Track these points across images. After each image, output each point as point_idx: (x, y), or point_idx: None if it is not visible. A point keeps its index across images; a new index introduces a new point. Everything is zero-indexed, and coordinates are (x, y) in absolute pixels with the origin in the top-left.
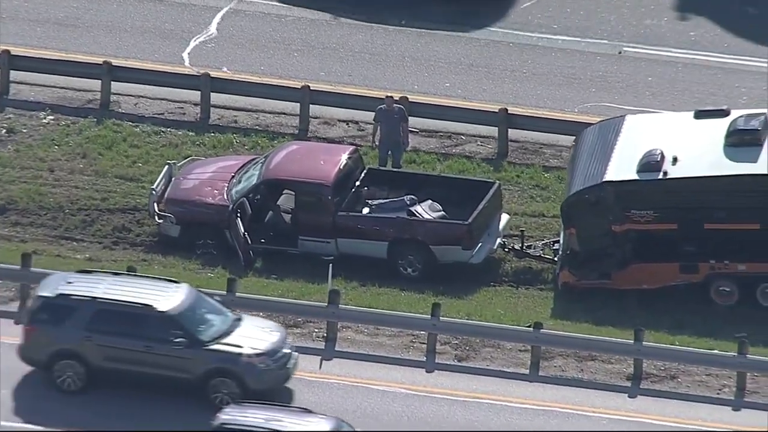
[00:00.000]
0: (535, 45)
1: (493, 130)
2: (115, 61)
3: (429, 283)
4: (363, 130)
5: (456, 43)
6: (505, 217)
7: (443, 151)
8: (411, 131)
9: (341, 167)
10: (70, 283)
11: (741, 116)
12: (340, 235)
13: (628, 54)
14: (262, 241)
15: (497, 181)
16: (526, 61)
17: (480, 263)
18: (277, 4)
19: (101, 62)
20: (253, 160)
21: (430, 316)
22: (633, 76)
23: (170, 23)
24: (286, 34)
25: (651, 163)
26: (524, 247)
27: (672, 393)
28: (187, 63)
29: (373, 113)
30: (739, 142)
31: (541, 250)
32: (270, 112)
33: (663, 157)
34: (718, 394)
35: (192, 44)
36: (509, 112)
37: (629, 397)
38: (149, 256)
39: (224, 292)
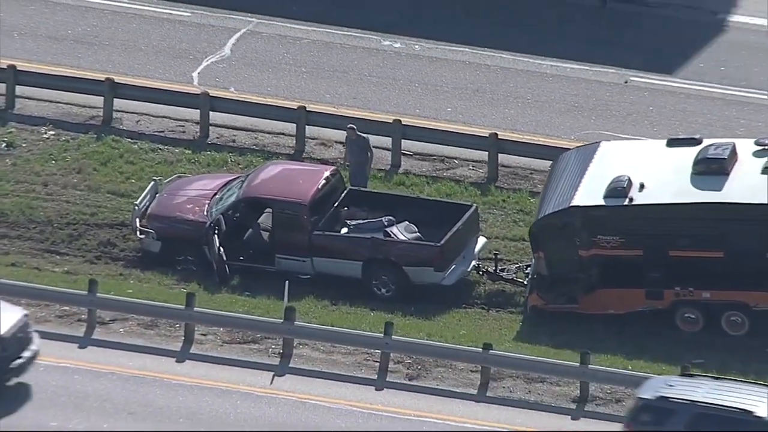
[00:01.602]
0: (543, 72)
1: (486, 155)
2: (119, 79)
3: (401, 304)
4: None
5: (465, 69)
6: (481, 241)
7: (434, 174)
8: (405, 154)
9: (320, 187)
10: (670, 386)
11: (710, 145)
12: (316, 254)
13: (634, 83)
14: (241, 258)
15: (474, 204)
16: (532, 87)
17: (453, 285)
18: (295, 26)
19: (104, 79)
20: (238, 177)
21: (382, 335)
22: (635, 105)
23: (186, 43)
24: (299, 56)
25: (618, 189)
26: (498, 271)
27: (615, 416)
28: (195, 82)
29: (374, 136)
30: (706, 170)
31: (514, 273)
32: (269, 132)
33: (630, 183)
34: None
35: (204, 64)
36: (499, 137)
37: (572, 419)
38: (128, 271)
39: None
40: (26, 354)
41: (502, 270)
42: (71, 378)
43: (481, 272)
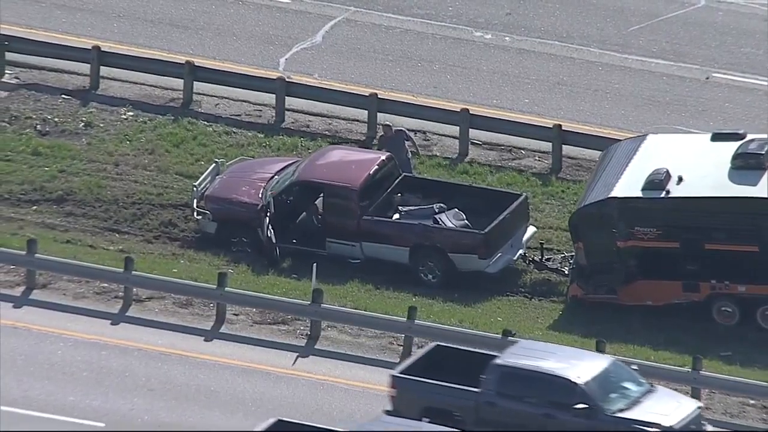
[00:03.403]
0: (627, 67)
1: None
2: (206, 63)
3: (445, 290)
4: (429, 140)
5: (550, 62)
6: (531, 230)
7: (499, 164)
8: (474, 143)
9: (372, 173)
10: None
11: (750, 140)
12: (365, 238)
13: (716, 80)
14: (294, 241)
15: (524, 194)
16: (611, 81)
17: (498, 273)
18: (391, 15)
19: (184, 62)
20: (297, 161)
21: (405, 319)
22: (711, 102)
23: (280, 29)
24: (388, 45)
25: (655, 182)
26: (543, 260)
27: None
28: (281, 68)
29: (443, 125)
30: (744, 165)
31: (560, 263)
32: (343, 119)
33: (668, 176)
34: None
35: (293, 50)
36: (563, 128)
37: None
38: (181, 251)
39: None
40: None
41: (548, 259)
42: (98, 354)
43: (527, 261)
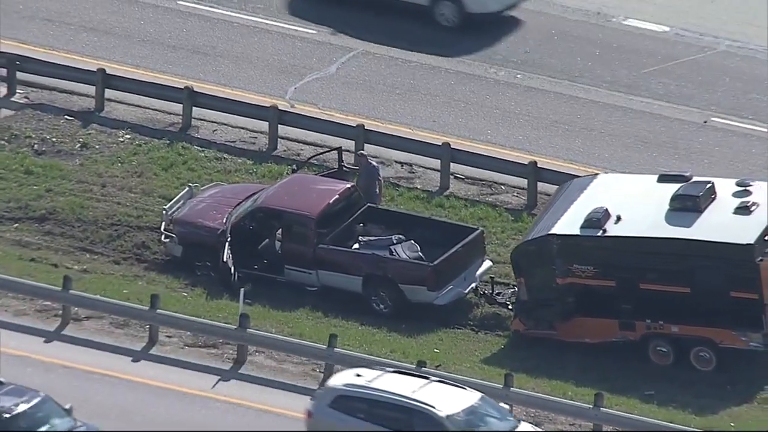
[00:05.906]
0: (630, 108)
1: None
2: (215, 90)
3: (394, 321)
4: (414, 172)
5: (554, 100)
6: (486, 264)
7: (477, 198)
8: (457, 177)
9: (331, 202)
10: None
11: (692, 182)
12: (321, 266)
13: (713, 124)
14: (255, 267)
15: (480, 228)
16: (609, 122)
17: (450, 305)
18: (412, 51)
19: (183, 87)
20: (266, 188)
21: (326, 346)
22: (702, 145)
23: (298, 58)
24: (399, 78)
25: (593, 220)
26: (493, 294)
27: None
28: (288, 96)
29: (429, 159)
30: (681, 207)
31: (509, 297)
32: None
33: (607, 214)
34: None
35: (305, 80)
36: (538, 165)
37: None
38: (143, 273)
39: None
40: None
41: (498, 294)
42: (23, 370)
43: (479, 295)
